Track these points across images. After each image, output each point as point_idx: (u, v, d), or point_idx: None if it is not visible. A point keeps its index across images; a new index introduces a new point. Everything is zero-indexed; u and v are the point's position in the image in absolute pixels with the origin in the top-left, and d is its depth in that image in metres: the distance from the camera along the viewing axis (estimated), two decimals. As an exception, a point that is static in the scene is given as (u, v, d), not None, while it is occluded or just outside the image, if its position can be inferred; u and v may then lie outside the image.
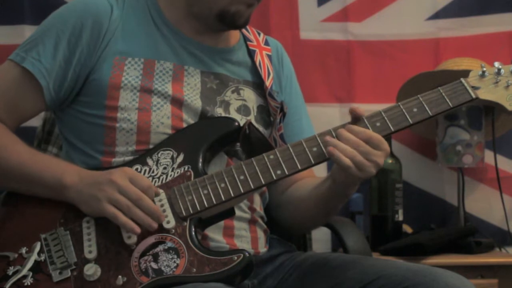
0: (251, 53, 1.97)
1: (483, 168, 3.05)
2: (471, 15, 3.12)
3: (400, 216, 2.86)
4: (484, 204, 3.09)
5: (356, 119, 1.74)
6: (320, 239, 2.95)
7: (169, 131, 1.79)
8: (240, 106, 1.89)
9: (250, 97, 1.92)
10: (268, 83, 1.94)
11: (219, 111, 1.85)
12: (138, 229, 1.63)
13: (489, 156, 3.00)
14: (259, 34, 2.04)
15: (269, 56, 2.01)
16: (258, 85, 1.94)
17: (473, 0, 3.12)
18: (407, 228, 2.97)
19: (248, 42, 1.98)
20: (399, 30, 3.12)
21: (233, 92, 1.89)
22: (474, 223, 3.01)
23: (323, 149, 1.71)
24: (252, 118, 1.89)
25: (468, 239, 2.84)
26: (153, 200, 1.67)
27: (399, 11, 3.12)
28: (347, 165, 1.67)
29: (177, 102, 1.81)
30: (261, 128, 1.88)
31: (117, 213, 1.63)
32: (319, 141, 1.72)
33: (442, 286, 1.63)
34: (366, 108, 1.77)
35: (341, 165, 1.68)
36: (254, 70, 1.95)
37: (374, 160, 1.68)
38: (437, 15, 3.12)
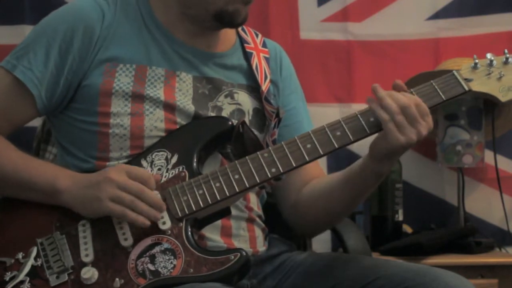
0: (247, 56, 1.95)
1: (483, 168, 3.05)
2: (471, 15, 3.12)
3: (400, 216, 2.86)
4: (484, 204, 3.09)
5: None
6: (320, 239, 2.93)
7: (163, 135, 1.78)
8: (233, 111, 1.88)
9: (245, 100, 1.90)
10: (264, 87, 1.93)
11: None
12: (148, 222, 1.64)
13: (489, 156, 3.00)
14: (256, 35, 2.02)
15: (267, 59, 1.99)
16: (253, 88, 1.93)
17: (473, 0, 3.11)
18: (407, 228, 2.97)
19: (245, 45, 1.97)
20: (399, 30, 3.12)
21: (226, 96, 1.88)
22: (474, 223, 3.01)
23: (317, 146, 1.71)
24: (246, 121, 1.87)
25: (468, 239, 2.84)
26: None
27: (399, 11, 3.12)
28: (384, 119, 1.67)
29: (170, 107, 1.80)
30: (255, 132, 1.87)
31: (124, 210, 1.63)
32: (313, 138, 1.71)
33: (442, 286, 1.63)
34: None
35: (381, 117, 1.67)
36: (250, 73, 1.94)
37: (417, 127, 1.67)
38: (437, 15, 3.12)
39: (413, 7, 3.12)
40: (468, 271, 2.65)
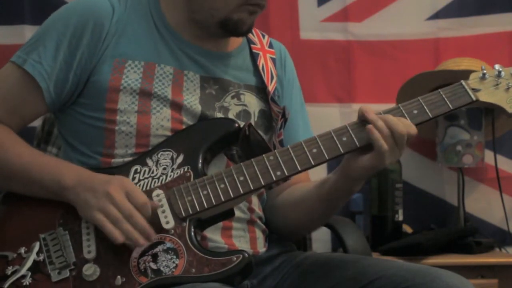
0: (254, 57, 1.95)
1: (483, 168, 3.05)
2: (471, 15, 3.13)
3: (400, 216, 2.87)
4: (484, 204, 3.10)
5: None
6: (320, 239, 2.95)
7: (169, 134, 1.78)
8: (239, 112, 1.88)
9: (251, 101, 1.91)
10: (271, 87, 1.93)
11: (219, 116, 1.84)
12: (121, 238, 1.62)
13: (489, 156, 3.01)
14: (263, 36, 2.02)
15: (273, 59, 1.99)
16: (260, 89, 1.93)
17: (473, 0, 3.12)
18: (407, 228, 2.97)
19: (252, 45, 1.97)
20: (399, 30, 3.13)
21: (233, 97, 1.88)
22: (474, 223, 3.02)
23: (323, 150, 1.71)
24: (252, 123, 1.87)
25: (468, 239, 2.85)
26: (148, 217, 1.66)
27: (399, 11, 3.12)
28: (383, 147, 1.67)
29: (177, 106, 1.80)
30: (261, 133, 1.88)
31: (104, 221, 1.63)
32: (319, 142, 1.71)
33: (442, 286, 1.63)
34: (366, 109, 1.77)
35: (379, 148, 1.68)
36: (257, 74, 1.94)
37: (402, 149, 1.69)
38: (437, 15, 3.13)
39: (413, 7, 3.13)
40: (468, 271, 2.65)
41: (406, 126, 1.69)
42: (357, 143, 1.72)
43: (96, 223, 1.65)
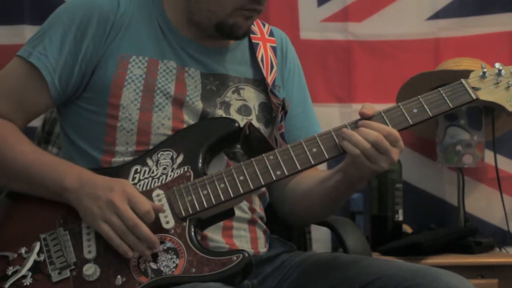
0: (253, 48, 1.96)
1: (483, 168, 3.05)
2: (471, 15, 3.13)
3: (400, 216, 2.87)
4: (484, 204, 3.10)
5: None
6: (320, 239, 2.95)
7: (170, 133, 1.79)
8: (240, 107, 1.88)
9: (251, 96, 1.91)
10: (270, 79, 1.93)
11: (220, 113, 1.85)
12: (131, 253, 1.64)
13: (489, 156, 3.01)
14: (263, 25, 2.02)
15: (274, 48, 2.00)
16: (260, 82, 1.94)
17: (473, 0, 3.12)
18: (407, 228, 2.97)
19: (252, 35, 1.97)
20: (399, 30, 3.13)
21: (233, 92, 1.89)
22: (474, 223, 3.01)
23: (323, 150, 1.71)
24: (253, 117, 1.89)
25: (468, 239, 2.84)
26: (153, 223, 1.66)
27: (399, 11, 3.12)
28: (355, 153, 1.67)
29: (179, 103, 1.81)
30: (262, 127, 1.89)
31: (111, 234, 1.64)
32: (319, 141, 1.71)
33: (442, 286, 1.63)
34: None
35: (351, 152, 1.68)
36: (256, 66, 1.95)
37: (389, 155, 1.68)
38: (437, 15, 3.13)
39: (413, 7, 3.13)
40: (468, 271, 2.65)
41: (382, 132, 1.68)
42: None
43: (103, 234, 1.65)
